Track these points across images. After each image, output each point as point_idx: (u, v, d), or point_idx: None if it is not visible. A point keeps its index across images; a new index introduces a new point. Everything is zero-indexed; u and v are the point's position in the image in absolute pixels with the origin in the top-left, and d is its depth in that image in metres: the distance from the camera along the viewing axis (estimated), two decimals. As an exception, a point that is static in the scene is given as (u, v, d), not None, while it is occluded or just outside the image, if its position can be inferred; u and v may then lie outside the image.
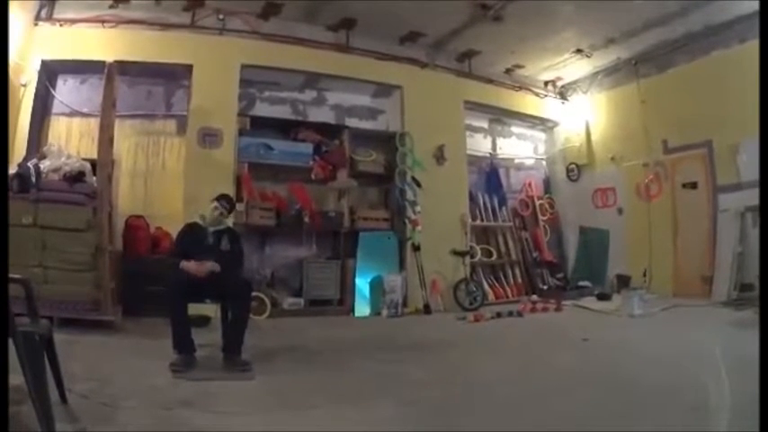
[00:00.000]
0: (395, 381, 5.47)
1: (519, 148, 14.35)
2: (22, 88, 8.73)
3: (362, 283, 10.52)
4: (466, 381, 5.51)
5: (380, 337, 8.32)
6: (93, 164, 7.94)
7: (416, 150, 11.35)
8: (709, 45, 10.55)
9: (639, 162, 11.95)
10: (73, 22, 9.24)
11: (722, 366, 5.21)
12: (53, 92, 9.54)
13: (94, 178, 7.81)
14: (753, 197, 9.14)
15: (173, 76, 10.12)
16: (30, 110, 8.87)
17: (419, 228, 11.02)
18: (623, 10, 9.91)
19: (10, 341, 3.25)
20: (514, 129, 14.26)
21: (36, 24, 9.07)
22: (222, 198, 6.51)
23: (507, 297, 12.16)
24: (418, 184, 11.22)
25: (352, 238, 10.83)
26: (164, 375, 5.22)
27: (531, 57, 12.41)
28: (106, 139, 8.19)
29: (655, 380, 5.14)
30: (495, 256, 12.64)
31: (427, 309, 10.55)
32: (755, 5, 8.76)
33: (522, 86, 13.38)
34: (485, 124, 13.70)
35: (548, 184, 14.46)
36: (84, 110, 9.55)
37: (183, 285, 5.81)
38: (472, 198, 12.49)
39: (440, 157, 11.64)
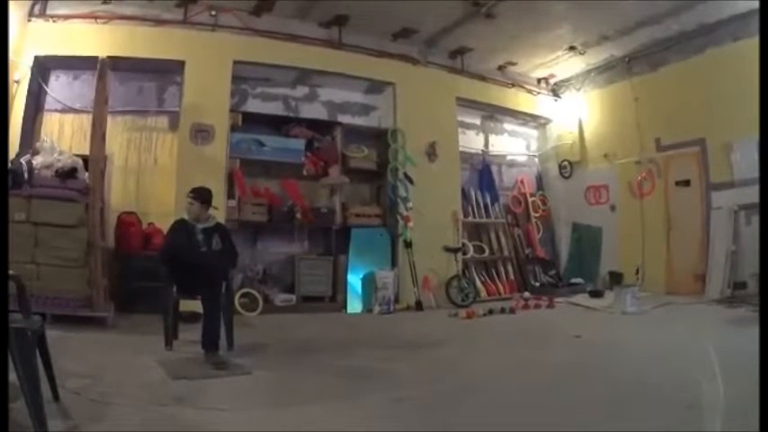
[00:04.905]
0: (386, 377, 5.49)
1: (511, 145, 14.33)
2: (15, 84, 8.70)
3: (354, 280, 10.54)
4: (457, 378, 5.53)
5: (372, 333, 8.36)
6: (86, 160, 7.92)
7: (408, 147, 11.35)
8: (702, 43, 10.56)
9: (632, 159, 11.96)
10: (66, 18, 9.21)
11: (717, 364, 5.23)
12: (46, 88, 9.49)
13: (87, 174, 7.79)
14: (746, 195, 9.22)
15: (165, 71, 10.09)
16: (22, 106, 8.82)
17: (411, 224, 11.02)
18: (616, 8, 9.92)
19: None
20: (507, 126, 14.25)
21: (29, 20, 9.04)
22: (192, 191, 6.54)
23: (499, 294, 12.18)
24: (410, 181, 11.22)
25: (344, 235, 10.84)
26: (156, 371, 5.23)
27: (523, 54, 12.41)
28: (98, 135, 8.20)
29: (648, 377, 5.16)
30: (487, 253, 12.66)
31: (419, 305, 10.55)
32: (749, 5, 8.80)
33: (515, 83, 13.38)
34: (477, 121, 13.70)
35: (540, 181, 14.47)
36: (77, 106, 9.51)
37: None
38: (464, 195, 12.51)
39: (432, 153, 11.64)
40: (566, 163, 13.74)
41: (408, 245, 10.95)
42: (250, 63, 10.26)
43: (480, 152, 13.56)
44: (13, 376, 3.31)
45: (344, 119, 11.56)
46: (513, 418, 4.18)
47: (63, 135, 9.37)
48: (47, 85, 9.53)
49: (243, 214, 9.99)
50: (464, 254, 11.94)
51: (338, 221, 10.82)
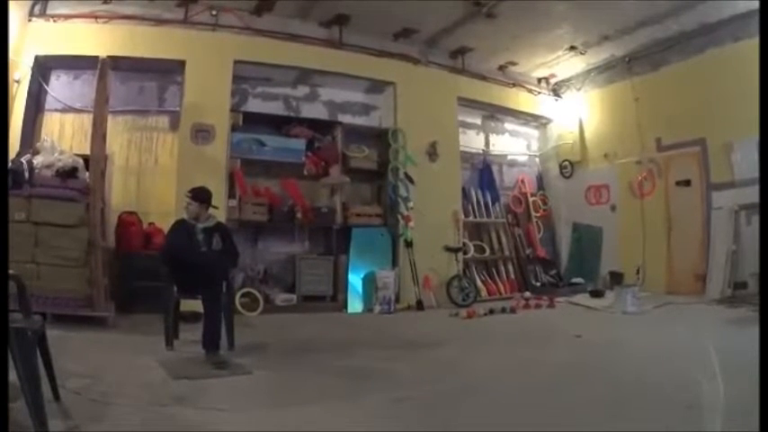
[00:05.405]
0: (386, 377, 5.49)
1: (512, 145, 14.32)
2: (16, 84, 8.70)
3: (355, 280, 10.53)
4: (457, 378, 5.52)
5: (373, 333, 8.35)
6: (86, 160, 7.92)
7: (409, 147, 11.33)
8: (703, 43, 10.55)
9: (633, 159, 11.95)
10: (66, 17, 9.21)
11: (717, 364, 5.22)
12: (46, 88, 9.50)
13: (87, 174, 7.79)
14: (746, 195, 9.21)
15: (166, 71, 10.09)
16: (23, 106, 8.83)
17: (412, 224, 11.01)
18: (617, 8, 9.92)
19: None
20: (508, 125, 14.24)
21: (29, 20, 9.04)
22: (190, 191, 6.56)
23: (500, 293, 12.17)
24: (411, 181, 11.21)
25: (344, 234, 10.83)
26: (156, 371, 5.23)
27: (524, 54, 12.40)
28: (99, 135, 8.19)
29: (648, 377, 5.16)
30: (487, 253, 12.65)
31: (420, 305, 10.55)
32: (749, 5, 8.79)
33: (516, 83, 13.37)
34: (478, 121, 13.69)
35: (541, 181, 14.46)
36: (78, 105, 9.51)
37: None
38: (465, 194, 12.50)
39: (432, 153, 11.64)
40: (566, 163, 13.73)
41: (409, 244, 10.94)
42: (251, 63, 10.26)
43: (481, 152, 13.56)
44: (13, 376, 3.31)
45: (345, 119, 11.57)
46: (513, 418, 4.18)
47: (63, 135, 9.38)
48: (47, 84, 9.54)
49: (243, 214, 9.98)
50: (465, 253, 11.93)
51: (339, 221, 10.81)
